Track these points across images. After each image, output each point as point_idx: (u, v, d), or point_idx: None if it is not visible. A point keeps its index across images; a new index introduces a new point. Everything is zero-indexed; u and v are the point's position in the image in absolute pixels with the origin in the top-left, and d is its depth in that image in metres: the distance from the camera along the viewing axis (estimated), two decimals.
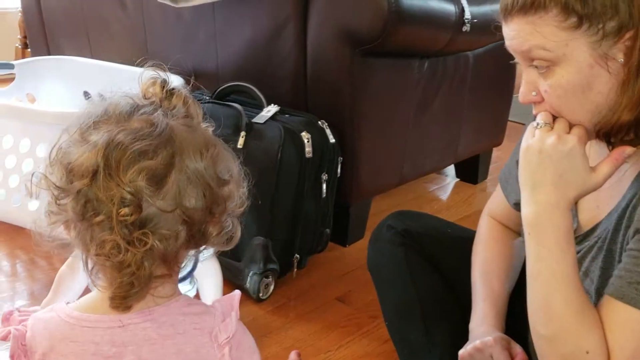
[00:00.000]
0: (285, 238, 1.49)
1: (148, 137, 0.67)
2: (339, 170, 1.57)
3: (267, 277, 1.47)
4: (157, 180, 0.66)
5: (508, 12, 0.84)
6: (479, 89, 1.96)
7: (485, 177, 2.27)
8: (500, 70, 2.06)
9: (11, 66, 1.89)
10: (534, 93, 0.87)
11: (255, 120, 1.48)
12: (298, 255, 1.53)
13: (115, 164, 0.66)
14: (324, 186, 1.53)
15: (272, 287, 1.49)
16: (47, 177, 0.70)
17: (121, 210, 0.65)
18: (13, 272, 1.57)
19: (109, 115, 0.71)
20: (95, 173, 0.66)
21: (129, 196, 0.65)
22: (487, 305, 1.08)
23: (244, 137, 1.44)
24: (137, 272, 0.66)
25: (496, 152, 2.31)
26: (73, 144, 0.70)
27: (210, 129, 0.76)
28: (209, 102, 1.57)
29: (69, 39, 2.16)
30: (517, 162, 0.94)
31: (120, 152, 0.66)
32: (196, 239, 0.70)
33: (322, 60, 1.58)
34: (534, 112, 0.90)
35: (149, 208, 0.66)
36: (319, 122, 1.53)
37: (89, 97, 1.98)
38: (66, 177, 0.68)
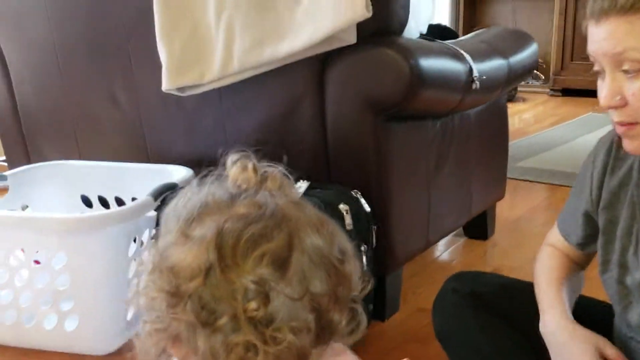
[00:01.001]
0: None
1: (260, 220, 0.61)
2: (374, 240, 1.52)
3: None
4: (280, 264, 0.59)
5: (604, 13, 0.82)
6: (481, 145, 1.97)
7: (493, 232, 2.25)
8: (496, 125, 2.09)
9: (4, 178, 1.78)
10: (617, 98, 0.86)
11: None
12: None
13: (232, 253, 0.59)
14: (364, 257, 1.47)
15: None
16: (155, 282, 0.62)
17: (248, 304, 0.57)
18: None
19: (210, 206, 0.64)
20: (208, 270, 0.59)
21: (253, 286, 0.58)
22: (558, 303, 1.07)
23: None
24: None
25: (498, 208, 2.29)
26: (174, 244, 0.62)
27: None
28: None
29: (53, 143, 2.05)
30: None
31: (234, 240, 0.59)
32: (324, 331, 0.62)
33: (344, 130, 1.54)
34: (614, 118, 0.89)
35: (276, 298, 0.58)
36: (352, 192, 1.49)
37: (88, 202, 1.88)
38: (174, 282, 0.60)
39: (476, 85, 1.65)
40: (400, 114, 1.52)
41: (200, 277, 0.58)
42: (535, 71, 5.33)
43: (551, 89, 5.17)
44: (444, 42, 1.74)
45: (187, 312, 0.59)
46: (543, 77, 5.26)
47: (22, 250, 1.50)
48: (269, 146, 1.65)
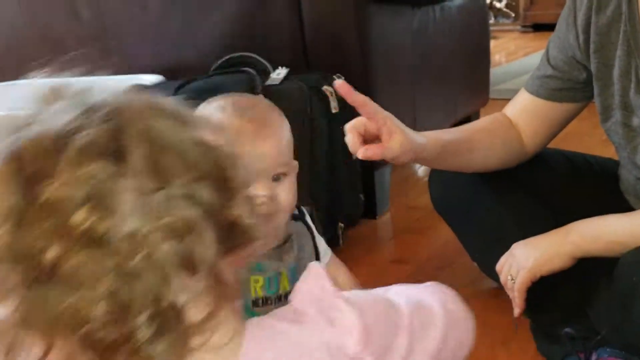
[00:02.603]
0: (327, 205, 1.35)
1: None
2: None
3: None
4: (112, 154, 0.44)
5: None
6: (463, 43, 1.91)
7: None
8: (477, 24, 2.03)
9: None
10: None
11: (269, 83, 1.35)
12: (342, 224, 1.39)
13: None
14: None
15: None
16: None
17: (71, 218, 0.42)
18: None
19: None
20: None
21: (78, 193, 0.42)
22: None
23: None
24: None
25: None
26: None
27: None
28: (209, 77, 1.41)
29: (19, 70, 1.94)
30: None
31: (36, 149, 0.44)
32: (230, 233, 0.44)
33: (322, 12, 1.46)
34: None
35: (120, 198, 0.44)
36: (334, 77, 1.41)
37: None
38: None
39: None
40: None
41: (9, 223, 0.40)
42: (504, 9, 5.29)
43: (522, 26, 5.12)
44: None
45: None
46: (513, 15, 5.21)
47: None
48: (242, 41, 1.57)
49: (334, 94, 1.34)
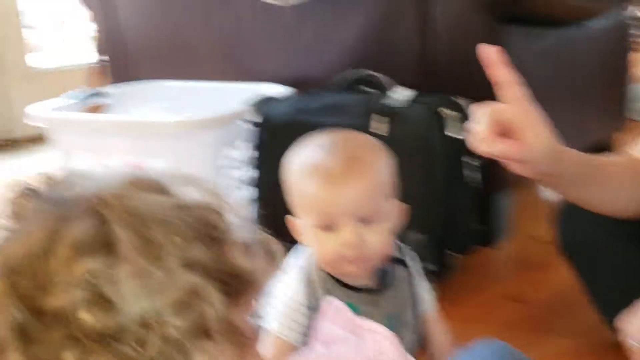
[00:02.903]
0: (440, 233, 1.32)
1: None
2: None
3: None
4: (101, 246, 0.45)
5: None
6: (601, 65, 1.80)
7: None
8: (616, 45, 1.90)
9: (105, 94, 1.79)
10: None
11: (390, 104, 1.33)
12: (454, 253, 1.35)
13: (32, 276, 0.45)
14: (475, 170, 1.36)
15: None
16: None
17: (78, 318, 0.43)
18: None
19: None
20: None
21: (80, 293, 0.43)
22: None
23: (387, 123, 1.29)
24: None
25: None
26: None
27: None
28: (332, 95, 1.42)
29: (152, 66, 2.03)
30: None
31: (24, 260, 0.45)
32: (234, 282, 0.45)
33: (453, 32, 1.43)
34: None
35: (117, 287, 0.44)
36: (460, 100, 1.37)
37: None
38: None
39: None
40: (518, 15, 1.39)
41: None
42: None
43: None
44: None
45: None
46: None
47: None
48: (368, 57, 1.56)
49: (458, 120, 1.30)
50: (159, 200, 0.44)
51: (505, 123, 0.76)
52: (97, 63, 2.18)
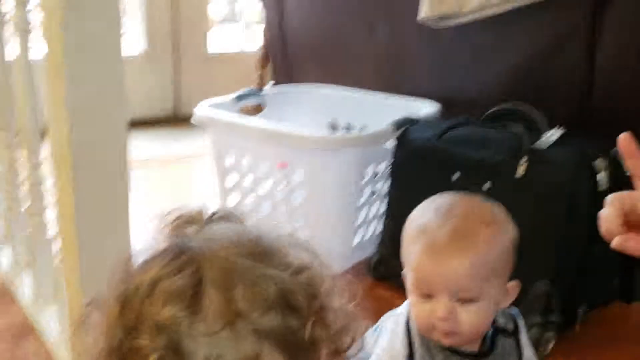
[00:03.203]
0: (570, 285, 1.26)
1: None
2: None
3: (548, 330, 1.25)
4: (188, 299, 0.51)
5: None
6: None
7: None
8: None
9: (258, 94, 1.88)
10: None
11: (537, 145, 1.29)
12: (583, 307, 1.29)
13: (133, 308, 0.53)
14: None
15: (552, 343, 1.26)
16: None
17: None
18: None
19: None
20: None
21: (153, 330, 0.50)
22: None
23: (526, 164, 1.25)
24: None
25: None
26: None
27: None
28: (478, 127, 1.40)
29: (311, 68, 2.12)
30: None
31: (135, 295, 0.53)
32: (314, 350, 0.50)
33: (615, 79, 1.35)
34: None
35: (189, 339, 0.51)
36: (612, 150, 1.29)
37: (335, 128, 1.92)
38: None
39: None
40: None
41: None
42: None
43: None
44: None
45: None
46: None
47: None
48: (526, 89, 1.51)
49: (607, 169, 1.23)
50: (255, 267, 0.48)
51: (633, 213, 0.71)
52: (261, 53, 2.28)
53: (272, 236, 0.52)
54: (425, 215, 0.81)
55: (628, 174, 1.33)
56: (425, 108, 1.66)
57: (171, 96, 3.18)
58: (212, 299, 0.46)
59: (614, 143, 1.30)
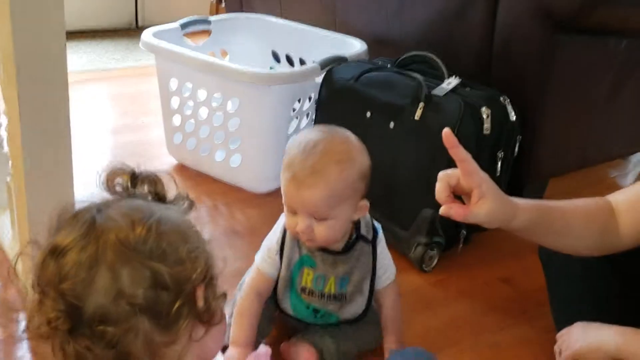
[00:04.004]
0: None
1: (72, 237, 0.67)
2: (516, 149, 1.53)
3: (432, 249, 1.48)
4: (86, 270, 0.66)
5: None
6: None
7: None
8: None
9: (208, 22, 2.02)
10: None
11: (435, 92, 1.48)
12: (465, 231, 1.52)
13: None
14: (499, 164, 1.49)
15: (435, 260, 1.50)
16: None
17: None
18: (198, 215, 1.70)
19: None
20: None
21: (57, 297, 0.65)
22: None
23: (422, 109, 1.45)
24: None
25: None
26: None
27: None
28: (389, 71, 1.58)
29: (261, 3, 2.25)
30: None
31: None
32: (198, 314, 0.68)
33: (511, 34, 1.52)
34: None
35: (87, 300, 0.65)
36: (501, 98, 1.49)
37: (276, 56, 2.07)
38: None
39: None
40: (574, 28, 1.46)
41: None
42: None
43: None
44: None
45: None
46: None
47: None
48: (438, 36, 1.69)
49: (489, 116, 1.43)
50: (140, 255, 0.63)
51: (457, 187, 0.94)
52: None
53: (168, 225, 0.66)
54: (293, 149, 1.04)
55: (512, 119, 1.55)
56: (355, 47, 1.82)
57: (132, 7, 3.27)
58: (103, 276, 0.62)
59: (505, 92, 1.50)
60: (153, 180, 0.71)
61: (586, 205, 1.08)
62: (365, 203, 1.08)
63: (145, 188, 0.71)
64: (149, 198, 0.71)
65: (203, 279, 0.67)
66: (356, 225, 1.11)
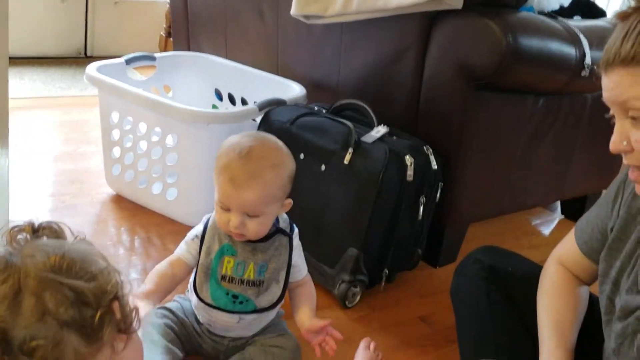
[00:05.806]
0: (377, 253, 1.57)
1: None
2: (437, 195, 1.63)
3: (355, 286, 1.56)
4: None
5: (609, 64, 0.88)
6: (593, 131, 1.95)
7: None
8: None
9: (153, 58, 2.09)
10: (624, 143, 0.90)
11: (364, 139, 1.57)
12: (387, 271, 1.61)
13: None
14: (421, 208, 1.59)
15: (358, 297, 1.58)
16: None
17: None
18: (131, 246, 1.75)
19: None
20: None
21: None
22: (560, 352, 1.11)
23: (351, 154, 1.54)
24: None
25: None
26: None
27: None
28: (323, 117, 1.67)
29: (208, 37, 2.34)
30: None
31: None
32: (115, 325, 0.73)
33: (436, 89, 1.64)
34: (624, 161, 0.94)
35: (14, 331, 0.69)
36: (424, 147, 1.60)
37: (219, 95, 2.15)
38: None
39: (586, 72, 1.64)
40: (494, 85, 1.58)
41: None
42: None
43: None
44: (571, 21, 1.73)
45: None
46: None
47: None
48: (371, 86, 1.79)
49: (412, 164, 1.53)
50: (58, 277, 0.69)
51: None
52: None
53: (78, 252, 0.73)
54: (229, 153, 1.14)
55: (434, 167, 1.65)
56: (295, 90, 1.91)
57: (82, 36, 3.31)
58: (28, 302, 0.67)
59: (429, 142, 1.61)
60: (53, 229, 0.77)
61: (562, 295, 1.17)
62: (290, 201, 1.21)
63: (45, 238, 0.77)
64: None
65: (117, 293, 0.74)
66: (275, 219, 1.23)
